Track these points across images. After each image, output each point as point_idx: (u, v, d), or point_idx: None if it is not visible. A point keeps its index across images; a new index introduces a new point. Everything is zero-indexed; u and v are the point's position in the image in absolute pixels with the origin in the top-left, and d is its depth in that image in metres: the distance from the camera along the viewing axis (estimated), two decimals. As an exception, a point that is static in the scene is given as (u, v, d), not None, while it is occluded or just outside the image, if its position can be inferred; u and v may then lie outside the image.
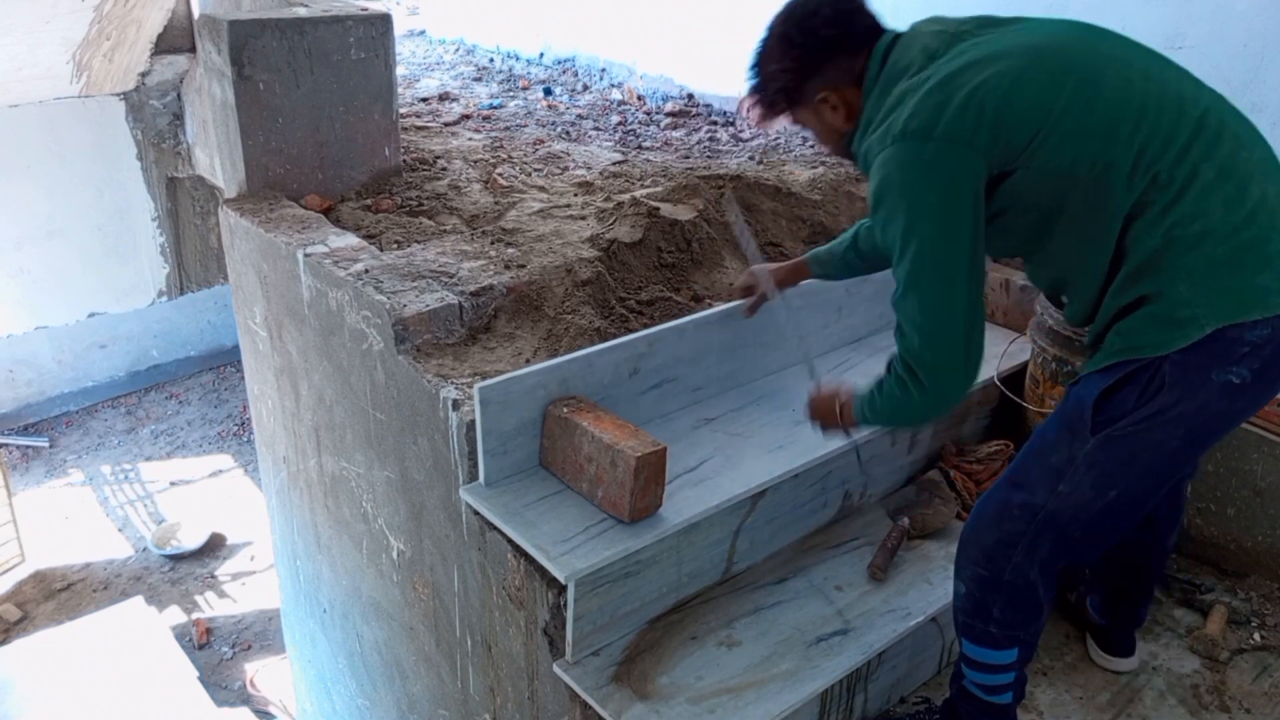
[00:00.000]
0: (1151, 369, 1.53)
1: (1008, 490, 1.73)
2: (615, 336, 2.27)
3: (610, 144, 3.83)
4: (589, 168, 3.43)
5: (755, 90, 1.84)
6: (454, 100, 4.52)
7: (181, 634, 5.47)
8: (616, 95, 4.69)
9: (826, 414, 1.97)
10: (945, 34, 1.69)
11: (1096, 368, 1.61)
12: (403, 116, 3.85)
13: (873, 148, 1.65)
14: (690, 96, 4.48)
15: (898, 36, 1.75)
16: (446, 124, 4.00)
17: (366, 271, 2.39)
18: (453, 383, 2.11)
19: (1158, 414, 1.55)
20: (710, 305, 2.50)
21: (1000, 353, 2.65)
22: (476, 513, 2.05)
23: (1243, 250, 1.48)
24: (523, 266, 2.49)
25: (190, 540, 6.24)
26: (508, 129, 3.99)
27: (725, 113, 4.29)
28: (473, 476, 2.05)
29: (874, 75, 1.72)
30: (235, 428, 7.47)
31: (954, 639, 2.24)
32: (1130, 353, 1.55)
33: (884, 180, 1.62)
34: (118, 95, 6.36)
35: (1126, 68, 1.57)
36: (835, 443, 2.17)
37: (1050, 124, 1.54)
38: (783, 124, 1.92)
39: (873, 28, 1.76)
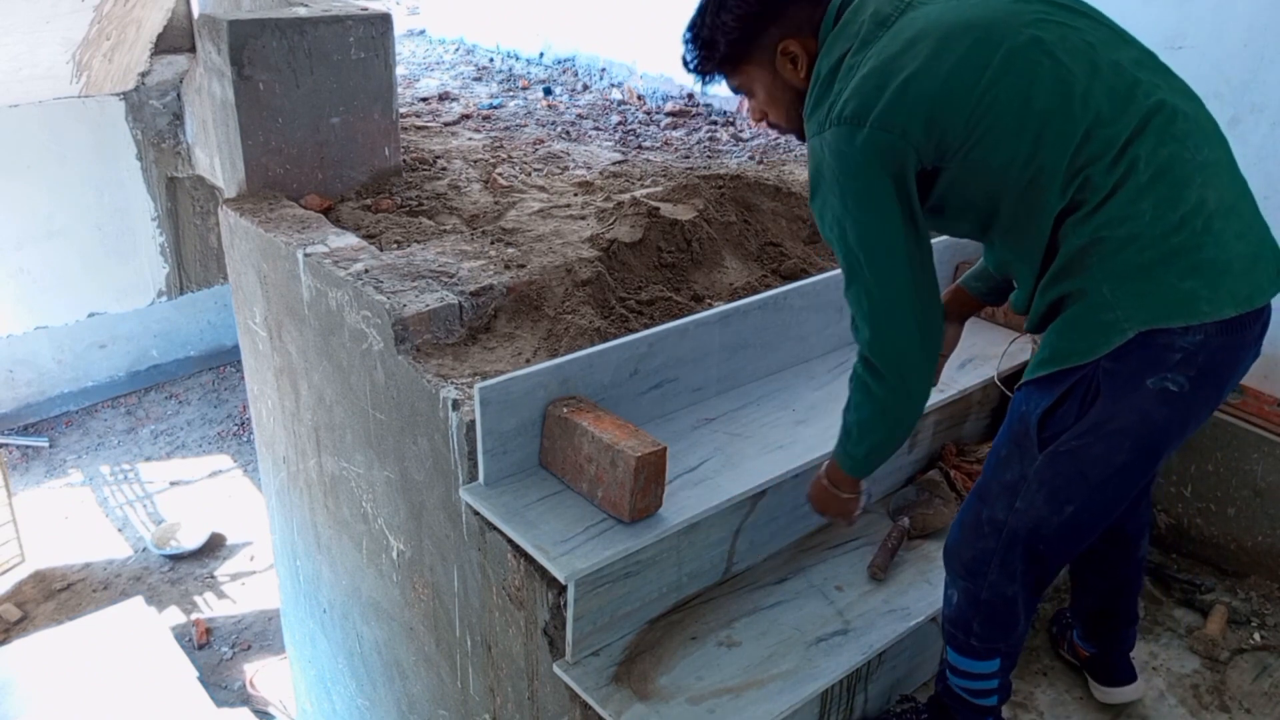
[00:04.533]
0: (1087, 380, 1.49)
1: (978, 504, 1.70)
2: (615, 336, 2.27)
3: (610, 144, 3.83)
4: (589, 168, 3.43)
5: (699, 44, 1.69)
6: (454, 100, 4.52)
7: (181, 634, 5.46)
8: (616, 95, 4.69)
9: (818, 493, 1.93)
10: None
11: (1033, 376, 1.57)
12: (403, 116, 3.85)
13: (812, 127, 1.58)
14: (690, 96, 4.48)
15: None
16: (446, 124, 4.00)
17: (366, 271, 2.39)
18: (453, 383, 2.11)
19: (1098, 425, 1.50)
20: (711, 305, 2.50)
21: (1000, 353, 2.65)
22: (476, 513, 2.05)
23: (1171, 255, 1.42)
24: (523, 266, 2.49)
25: (190, 540, 6.24)
26: (508, 129, 3.99)
27: (725, 113, 4.29)
28: (473, 476, 2.05)
29: (828, 28, 1.61)
30: (235, 428, 7.47)
31: (954, 639, 2.25)
32: (1062, 361, 1.51)
33: (818, 165, 1.57)
34: (118, 95, 6.36)
35: (1077, 54, 1.47)
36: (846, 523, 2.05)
37: (984, 124, 1.47)
38: (722, 88, 1.75)
39: None
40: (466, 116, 4.16)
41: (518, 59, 5.56)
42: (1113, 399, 1.48)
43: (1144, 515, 2.01)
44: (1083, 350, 1.48)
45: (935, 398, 2.46)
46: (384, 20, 2.93)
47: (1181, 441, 1.61)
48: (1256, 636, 2.36)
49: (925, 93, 1.47)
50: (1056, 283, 1.52)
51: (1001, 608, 1.73)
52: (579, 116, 4.28)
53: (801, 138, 1.71)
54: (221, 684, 5.29)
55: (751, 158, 3.60)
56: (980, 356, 2.69)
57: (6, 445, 7.00)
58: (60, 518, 6.47)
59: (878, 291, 1.56)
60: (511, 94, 4.72)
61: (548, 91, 4.74)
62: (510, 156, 3.51)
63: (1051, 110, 1.45)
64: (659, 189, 2.90)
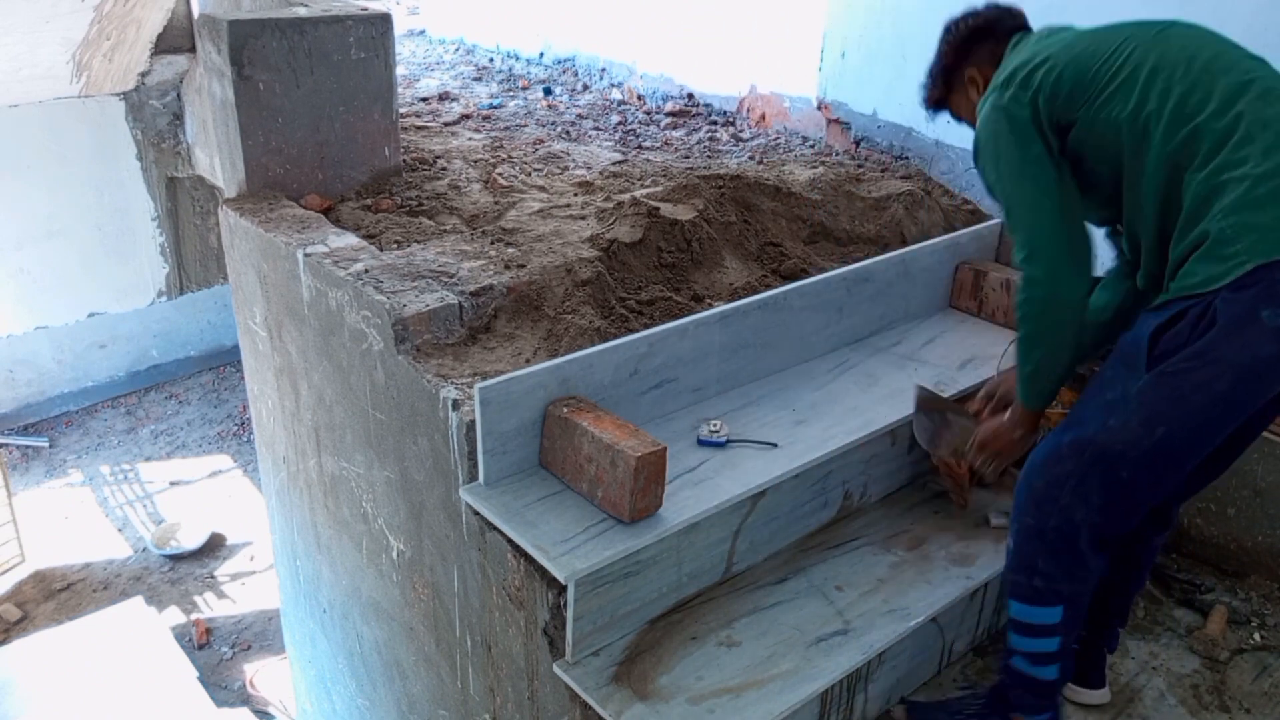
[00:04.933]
0: (1204, 305, 1.60)
1: (1060, 432, 1.78)
2: (615, 336, 2.27)
3: (610, 144, 3.83)
4: (589, 168, 3.43)
5: (927, 76, 2.17)
6: (454, 100, 4.52)
7: (181, 634, 5.46)
8: (616, 95, 4.69)
9: (992, 430, 2.09)
10: (1058, 27, 1.98)
11: (1154, 305, 1.70)
12: (403, 116, 3.86)
13: (981, 106, 1.94)
14: (690, 96, 4.48)
15: (1031, 31, 2.06)
16: (446, 124, 4.00)
17: (366, 271, 2.39)
18: (453, 383, 2.11)
19: (1208, 350, 1.59)
20: (711, 305, 2.50)
21: (1000, 353, 2.65)
22: (476, 513, 2.05)
23: None
24: (523, 266, 2.49)
25: (190, 540, 6.24)
26: (508, 129, 3.99)
27: (725, 113, 4.29)
28: (473, 476, 2.05)
29: (1008, 53, 2.01)
30: (235, 428, 7.48)
31: (954, 638, 2.25)
32: (1184, 290, 1.63)
33: (980, 124, 1.92)
34: (118, 95, 6.36)
35: (1184, 39, 1.77)
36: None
37: (1102, 82, 1.77)
38: (945, 112, 2.22)
39: (1021, 26, 2.08)
40: (466, 116, 4.16)
41: (518, 59, 5.57)
42: (1227, 329, 1.58)
43: (1170, 516, 2.06)
44: (1206, 280, 1.60)
45: (935, 398, 2.45)
46: (384, 20, 2.93)
47: (1269, 387, 1.65)
48: (1256, 636, 2.37)
49: (1059, 59, 1.83)
50: (1184, 236, 1.67)
51: (1069, 537, 1.76)
52: (579, 116, 4.28)
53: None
54: (221, 684, 5.29)
55: (751, 158, 3.60)
56: (980, 357, 2.69)
57: (6, 445, 7.00)
58: (60, 518, 6.47)
59: (1026, 216, 1.84)
60: (511, 94, 4.72)
61: (548, 91, 4.74)
62: (510, 156, 3.51)
63: (1156, 70, 1.73)
64: (659, 189, 2.91)
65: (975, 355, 2.70)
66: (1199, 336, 1.60)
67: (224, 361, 8.13)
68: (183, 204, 7.04)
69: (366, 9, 2.96)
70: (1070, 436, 1.74)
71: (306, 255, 2.49)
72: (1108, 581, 2.07)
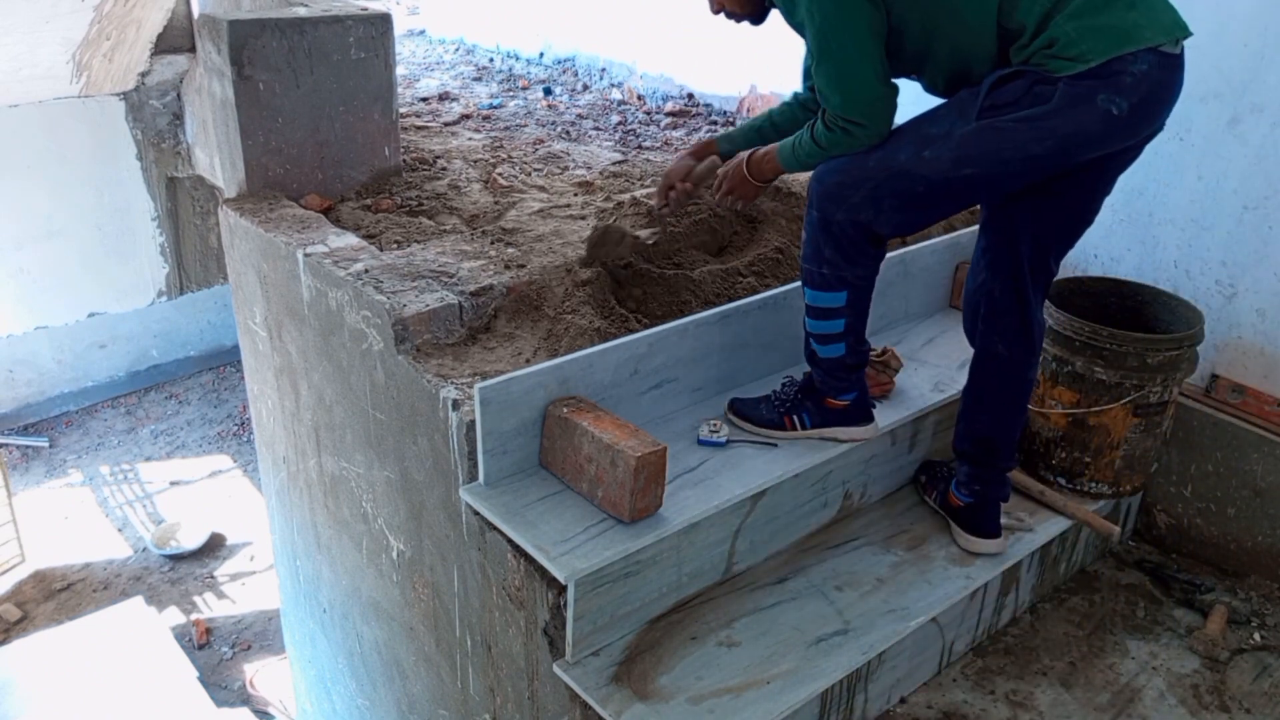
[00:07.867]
0: (1048, 81, 1.73)
1: (865, 153, 1.90)
2: (615, 336, 2.27)
3: (610, 144, 3.83)
4: (589, 168, 3.43)
5: None
6: (454, 100, 4.52)
7: (181, 634, 5.47)
8: (616, 95, 4.69)
9: (737, 175, 2.15)
10: None
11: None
12: (403, 116, 3.86)
13: None
14: (690, 96, 4.48)
15: None
16: (446, 124, 4.00)
17: (366, 271, 2.39)
18: (453, 383, 2.11)
19: (1039, 120, 1.73)
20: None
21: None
22: (476, 513, 2.05)
23: None
24: (523, 266, 2.49)
25: (190, 540, 6.25)
26: (508, 129, 3.99)
27: (725, 113, 4.29)
28: (473, 476, 2.05)
29: None
30: (235, 428, 7.48)
31: (954, 638, 2.26)
32: (1033, 66, 1.75)
33: None
34: (118, 95, 6.35)
35: None
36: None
37: None
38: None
39: None
40: (466, 116, 4.16)
41: (518, 59, 5.56)
42: (1062, 106, 1.72)
43: (1041, 329, 2.13)
44: (1055, 70, 1.72)
45: (935, 397, 2.46)
46: (384, 20, 2.93)
47: (1077, 157, 1.79)
48: (1256, 636, 2.37)
49: None
50: (1029, 44, 1.74)
51: (853, 233, 1.94)
52: (579, 116, 4.28)
53: (756, 20, 2.16)
54: (221, 684, 5.30)
55: (751, 158, 3.59)
56: (980, 356, 2.69)
57: (6, 445, 7.00)
58: (60, 518, 6.47)
59: (843, 61, 1.82)
60: (511, 94, 4.72)
61: (548, 91, 4.74)
62: (510, 156, 3.51)
63: None
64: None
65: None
66: (1032, 104, 1.73)
67: (224, 361, 8.13)
68: (183, 204, 7.03)
69: (366, 9, 2.96)
70: (879, 155, 1.88)
71: (306, 255, 2.49)
72: (986, 427, 2.18)
